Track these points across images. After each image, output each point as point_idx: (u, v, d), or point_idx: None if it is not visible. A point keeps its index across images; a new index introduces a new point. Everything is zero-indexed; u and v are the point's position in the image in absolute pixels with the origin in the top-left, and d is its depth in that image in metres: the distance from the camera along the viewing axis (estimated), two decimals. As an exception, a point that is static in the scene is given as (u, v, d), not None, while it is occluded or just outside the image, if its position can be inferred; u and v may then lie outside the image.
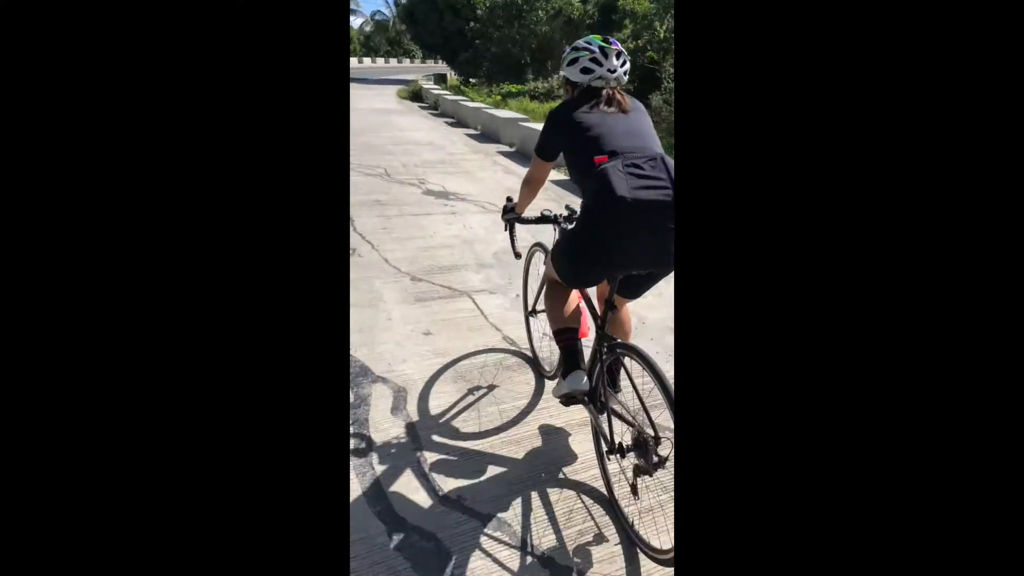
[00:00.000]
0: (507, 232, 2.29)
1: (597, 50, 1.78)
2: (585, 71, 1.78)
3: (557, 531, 1.75)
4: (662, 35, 11.54)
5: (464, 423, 2.27)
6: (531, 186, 1.99)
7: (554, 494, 1.90)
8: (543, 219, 2.11)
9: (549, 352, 2.68)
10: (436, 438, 2.18)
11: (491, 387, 2.52)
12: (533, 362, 2.71)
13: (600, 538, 1.73)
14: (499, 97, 15.44)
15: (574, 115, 1.73)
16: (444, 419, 2.29)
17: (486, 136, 10.43)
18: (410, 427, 2.23)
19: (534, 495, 1.90)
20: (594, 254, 1.65)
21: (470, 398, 2.43)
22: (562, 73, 1.87)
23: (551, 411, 2.37)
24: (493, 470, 2.01)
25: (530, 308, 2.64)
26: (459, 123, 12.27)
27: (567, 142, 1.75)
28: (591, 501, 1.88)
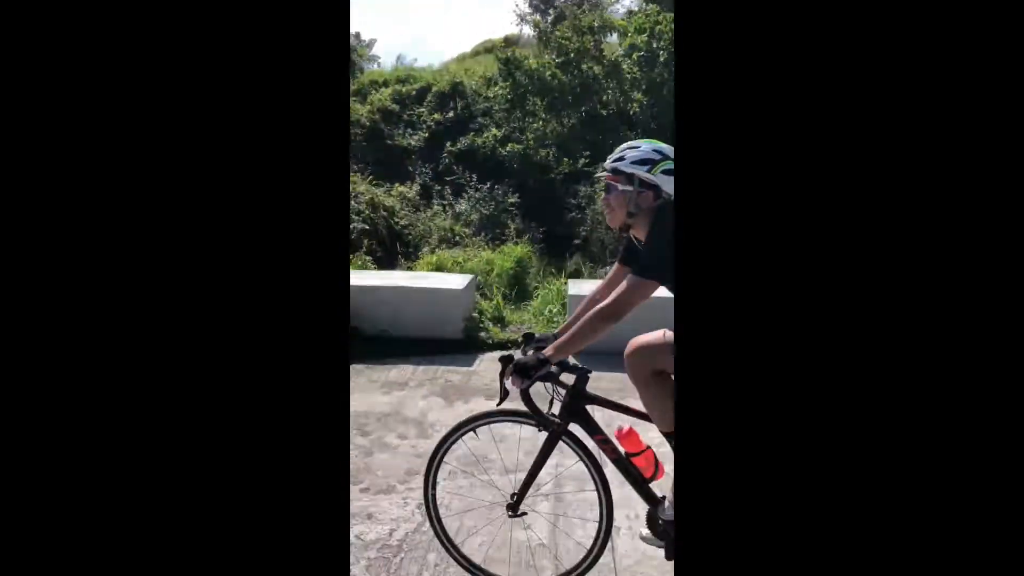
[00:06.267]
0: (524, 397, 1.56)
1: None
2: (671, 183, 1.56)
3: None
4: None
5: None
6: (618, 318, 1.48)
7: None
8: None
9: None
10: None
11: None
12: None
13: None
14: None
15: None
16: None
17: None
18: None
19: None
20: None
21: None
22: (646, 176, 1.56)
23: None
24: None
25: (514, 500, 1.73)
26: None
27: None
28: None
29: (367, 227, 7.99)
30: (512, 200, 8.42)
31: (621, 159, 1.60)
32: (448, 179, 9.15)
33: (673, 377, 1.54)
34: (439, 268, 6.43)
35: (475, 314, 4.57)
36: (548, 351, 1.52)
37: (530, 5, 17.23)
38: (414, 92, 10.97)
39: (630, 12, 9.68)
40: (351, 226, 7.91)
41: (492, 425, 1.71)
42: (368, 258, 7.14)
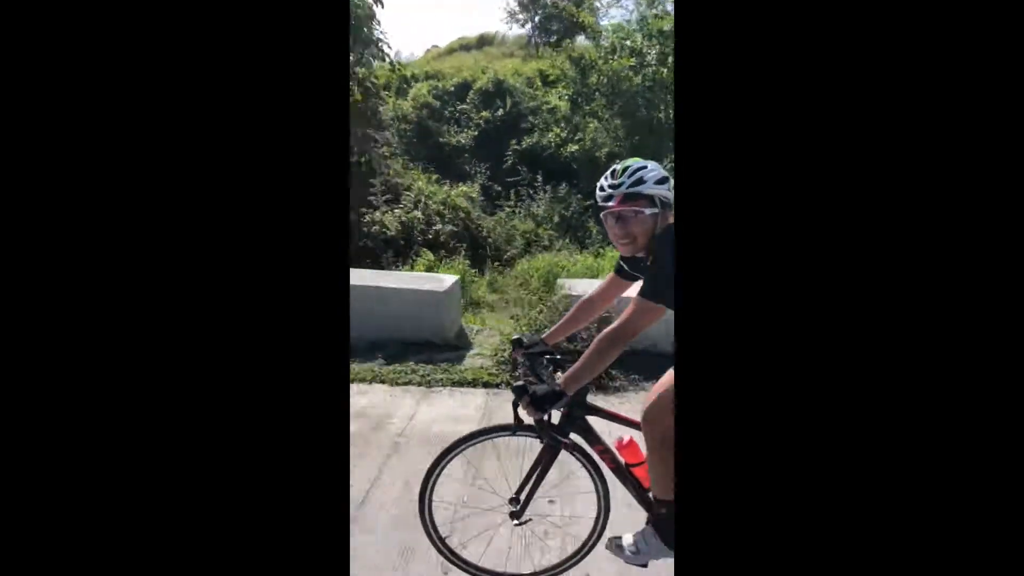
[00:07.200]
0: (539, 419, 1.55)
1: None
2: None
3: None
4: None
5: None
6: (626, 341, 1.43)
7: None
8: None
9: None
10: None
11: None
12: None
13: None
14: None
15: None
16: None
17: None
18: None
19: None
20: None
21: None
22: (664, 195, 1.48)
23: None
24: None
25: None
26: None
27: None
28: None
29: (455, 228, 7.59)
30: (587, 203, 8.34)
31: (641, 181, 1.47)
32: (510, 179, 8.90)
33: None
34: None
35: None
36: (562, 382, 1.47)
37: (519, 4, 17.11)
38: (452, 88, 10.59)
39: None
40: (436, 228, 7.56)
41: (495, 440, 1.72)
42: (467, 262, 6.79)
